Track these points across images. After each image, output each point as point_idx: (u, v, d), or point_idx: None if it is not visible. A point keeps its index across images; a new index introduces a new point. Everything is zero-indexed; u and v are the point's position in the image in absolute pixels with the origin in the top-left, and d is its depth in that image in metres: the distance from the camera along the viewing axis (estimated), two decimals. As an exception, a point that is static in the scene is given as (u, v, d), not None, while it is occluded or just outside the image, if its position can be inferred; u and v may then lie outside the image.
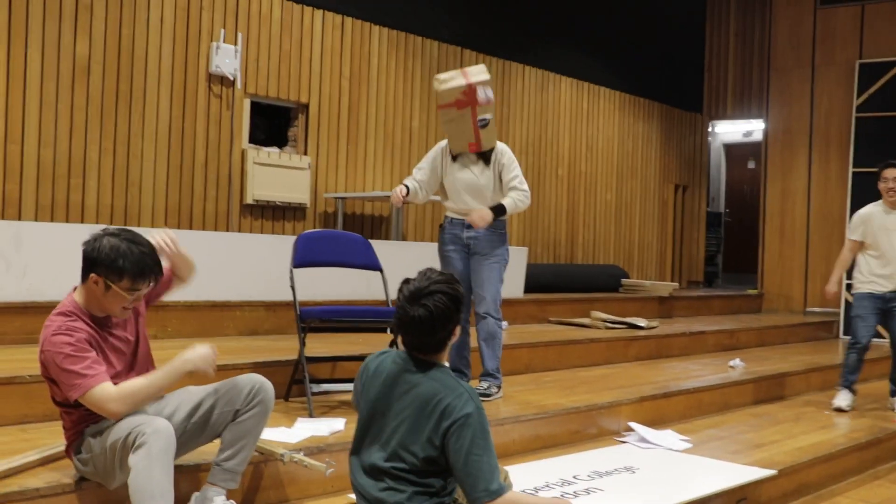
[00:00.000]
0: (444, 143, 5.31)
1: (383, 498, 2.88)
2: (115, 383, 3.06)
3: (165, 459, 2.92)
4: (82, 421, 3.15)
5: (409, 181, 5.27)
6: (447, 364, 3.00)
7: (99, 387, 2.99)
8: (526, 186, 5.25)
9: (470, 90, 5.04)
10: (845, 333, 10.55)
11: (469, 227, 5.19)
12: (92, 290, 3.10)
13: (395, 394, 2.94)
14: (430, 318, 2.89)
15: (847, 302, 10.65)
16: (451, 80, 5.11)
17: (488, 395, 5.21)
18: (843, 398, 6.55)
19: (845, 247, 6.70)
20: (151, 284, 3.17)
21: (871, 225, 6.51)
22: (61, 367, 3.00)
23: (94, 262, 3.07)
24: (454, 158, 5.25)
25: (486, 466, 2.80)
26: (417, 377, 2.94)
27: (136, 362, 3.29)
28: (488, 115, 5.10)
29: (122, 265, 3.04)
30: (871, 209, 6.56)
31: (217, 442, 3.39)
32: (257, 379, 3.40)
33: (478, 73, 5.14)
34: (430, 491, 2.89)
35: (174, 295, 3.64)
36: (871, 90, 11.11)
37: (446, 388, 2.89)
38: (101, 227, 3.22)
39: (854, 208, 10.39)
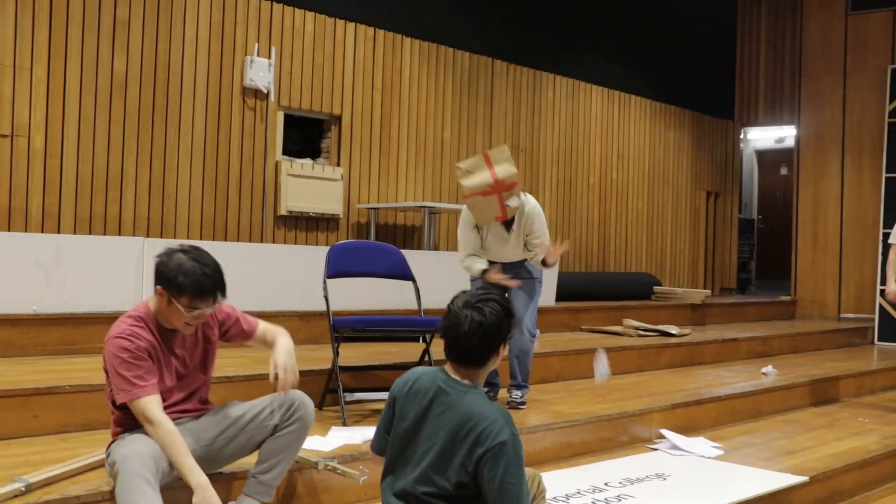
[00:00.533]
0: (466, 213, 5.27)
1: None
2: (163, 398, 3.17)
3: (137, 483, 2.93)
4: (121, 423, 3.24)
5: (480, 262, 5.23)
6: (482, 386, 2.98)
7: (144, 398, 3.09)
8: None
9: (496, 184, 4.94)
10: (880, 339, 10.49)
11: (505, 266, 5.29)
12: (159, 301, 3.22)
13: (429, 414, 2.89)
14: (482, 324, 2.83)
15: (881, 308, 10.59)
16: (475, 171, 4.98)
17: (524, 404, 5.33)
18: None
19: (890, 250, 6.67)
20: (214, 305, 3.24)
21: None
22: (116, 370, 3.12)
23: (160, 275, 3.18)
24: (479, 228, 5.29)
25: (518, 493, 2.77)
26: (453, 399, 2.86)
27: (184, 387, 3.37)
28: (514, 198, 5.02)
29: (181, 282, 3.14)
30: None
31: (255, 453, 3.45)
32: (298, 396, 3.45)
33: (501, 160, 4.99)
34: None
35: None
36: (904, 95, 11.05)
37: (482, 413, 2.80)
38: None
39: (888, 214, 10.37)
